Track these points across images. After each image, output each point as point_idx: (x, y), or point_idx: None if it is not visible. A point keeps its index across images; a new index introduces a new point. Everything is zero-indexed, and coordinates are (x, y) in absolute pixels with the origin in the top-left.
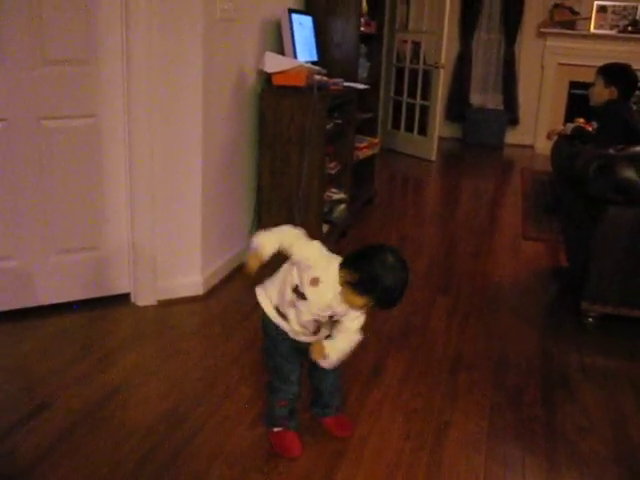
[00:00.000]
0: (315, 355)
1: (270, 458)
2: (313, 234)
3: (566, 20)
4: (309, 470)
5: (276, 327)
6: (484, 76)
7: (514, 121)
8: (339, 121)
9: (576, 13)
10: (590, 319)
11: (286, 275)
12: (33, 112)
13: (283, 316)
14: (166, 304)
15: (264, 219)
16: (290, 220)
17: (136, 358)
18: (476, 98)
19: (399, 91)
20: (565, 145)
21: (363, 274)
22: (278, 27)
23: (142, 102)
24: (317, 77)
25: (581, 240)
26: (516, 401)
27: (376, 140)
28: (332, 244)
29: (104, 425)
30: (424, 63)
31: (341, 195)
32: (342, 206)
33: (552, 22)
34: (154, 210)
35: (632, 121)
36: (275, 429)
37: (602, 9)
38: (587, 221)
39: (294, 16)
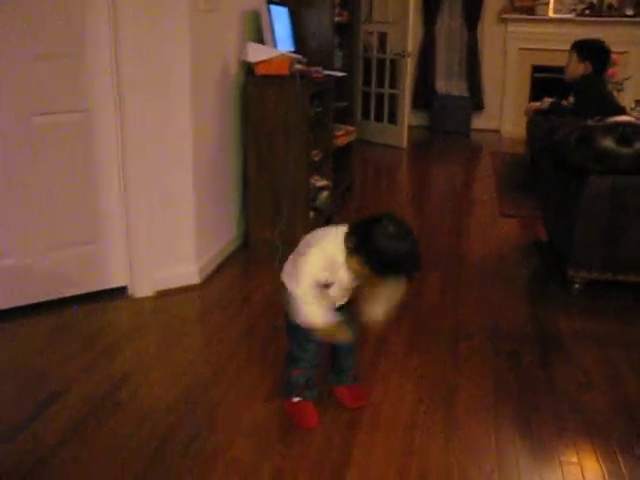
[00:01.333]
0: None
1: (289, 429)
2: (301, 221)
3: (526, 5)
4: (328, 439)
5: None
6: (448, 63)
7: (479, 107)
8: (319, 109)
9: None
10: (576, 285)
11: None
12: (23, 108)
13: None
14: (163, 294)
15: (252, 208)
16: (278, 207)
17: (140, 347)
18: (441, 85)
19: (367, 82)
20: (542, 120)
21: (363, 244)
22: (256, 19)
23: (132, 95)
24: (298, 66)
25: (563, 211)
26: (515, 365)
27: (352, 128)
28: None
29: (120, 409)
30: (390, 52)
31: (324, 182)
32: (326, 193)
33: (512, 8)
34: (148, 201)
35: (607, 93)
36: (294, 399)
37: None
38: (569, 191)
39: (272, 6)
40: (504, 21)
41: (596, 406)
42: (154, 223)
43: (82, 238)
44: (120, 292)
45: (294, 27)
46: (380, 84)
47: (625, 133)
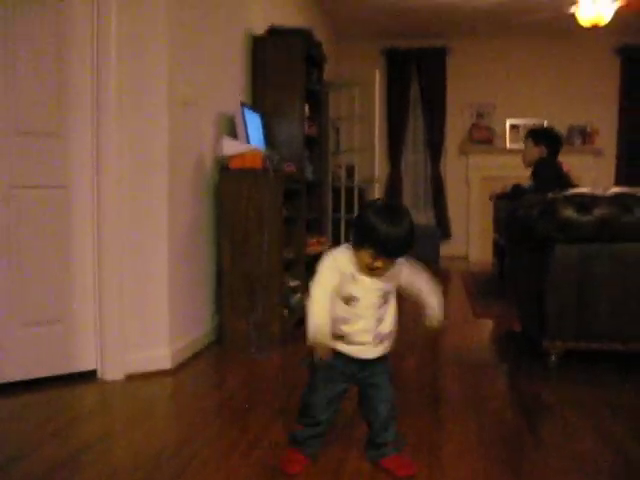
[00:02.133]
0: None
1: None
2: (275, 314)
3: (483, 138)
4: None
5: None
6: (414, 194)
7: (446, 235)
8: (292, 209)
9: (492, 132)
10: (553, 357)
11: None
12: (4, 180)
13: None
14: (134, 378)
15: (226, 299)
16: (252, 300)
17: (107, 421)
18: None
19: (336, 209)
20: (507, 203)
21: (358, 224)
22: (231, 121)
23: (111, 180)
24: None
25: (534, 285)
26: (500, 422)
27: (324, 238)
28: (292, 327)
29: (84, 469)
30: (359, 181)
31: (297, 282)
32: (298, 294)
33: (471, 141)
34: (121, 284)
35: (563, 173)
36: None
37: (514, 127)
38: (537, 264)
39: (246, 110)
40: (465, 153)
41: (586, 449)
42: (127, 305)
43: (52, 317)
44: (89, 376)
45: (266, 134)
46: (349, 211)
47: (584, 202)
